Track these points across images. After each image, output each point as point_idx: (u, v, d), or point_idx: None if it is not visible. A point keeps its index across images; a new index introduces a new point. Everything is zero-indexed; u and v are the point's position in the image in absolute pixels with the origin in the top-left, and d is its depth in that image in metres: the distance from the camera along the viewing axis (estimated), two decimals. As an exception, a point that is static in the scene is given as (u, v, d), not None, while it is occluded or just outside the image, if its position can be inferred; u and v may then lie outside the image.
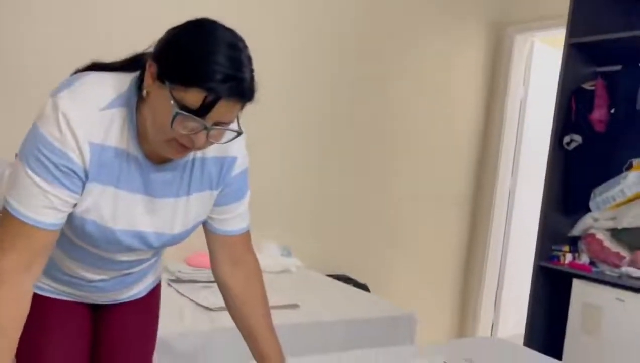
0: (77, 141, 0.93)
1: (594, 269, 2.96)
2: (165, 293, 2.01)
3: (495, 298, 4.04)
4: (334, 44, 3.30)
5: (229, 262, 1.20)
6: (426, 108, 3.73)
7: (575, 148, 3.08)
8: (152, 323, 1.39)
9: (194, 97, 0.88)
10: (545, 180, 3.13)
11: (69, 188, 0.95)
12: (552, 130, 3.10)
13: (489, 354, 1.80)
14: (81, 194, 0.98)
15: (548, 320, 3.11)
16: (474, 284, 4.08)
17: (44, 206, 0.94)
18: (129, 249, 1.10)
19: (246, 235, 1.23)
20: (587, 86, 3.10)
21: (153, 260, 1.27)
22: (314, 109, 3.28)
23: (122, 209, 1.03)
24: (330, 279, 3.01)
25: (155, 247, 1.13)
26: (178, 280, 2.40)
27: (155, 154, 1.03)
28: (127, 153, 1.01)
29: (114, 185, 1.01)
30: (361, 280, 3.29)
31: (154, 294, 1.38)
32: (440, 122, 3.82)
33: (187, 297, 2.17)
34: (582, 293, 2.89)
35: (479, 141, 4.05)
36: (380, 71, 3.50)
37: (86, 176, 0.97)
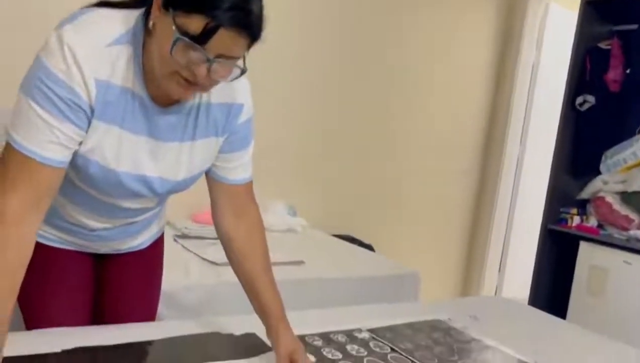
0: (82, 76, 0.91)
1: (602, 232, 2.95)
2: (172, 249, 2.02)
3: (500, 261, 4.04)
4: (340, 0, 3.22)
5: (232, 213, 1.18)
6: (434, 71, 3.66)
7: (588, 109, 3.02)
8: (155, 274, 1.38)
9: (196, 23, 0.85)
10: (556, 142, 3.09)
11: (75, 123, 0.93)
12: (565, 90, 3.04)
13: (493, 312, 1.79)
14: (87, 132, 0.96)
15: (553, 283, 3.11)
16: (479, 247, 4.08)
17: (49, 141, 0.90)
18: (133, 194, 1.07)
19: (249, 186, 1.20)
20: (602, 45, 3.03)
21: (157, 210, 1.25)
22: (320, 69, 3.23)
23: (126, 151, 1.01)
24: (335, 238, 3.01)
25: (159, 193, 1.10)
26: (184, 236, 2.40)
27: (161, 97, 1.00)
28: (132, 92, 0.98)
29: (119, 125, 0.99)
30: (366, 241, 3.30)
31: (157, 245, 1.37)
32: (448, 86, 3.75)
33: (194, 252, 2.17)
34: (589, 256, 2.89)
35: (488, 106, 3.98)
36: (389, 30, 3.42)
37: (92, 113, 0.95)
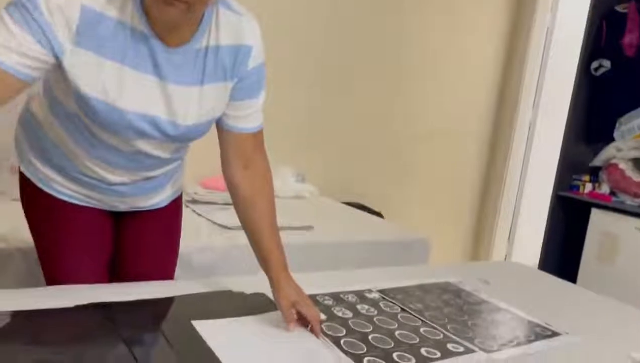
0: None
1: (614, 199, 2.93)
2: (183, 213, 2.03)
3: (510, 228, 4.03)
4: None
5: (240, 163, 1.17)
6: (445, 37, 3.59)
7: (602, 75, 2.97)
8: (173, 234, 1.39)
9: None
10: (569, 108, 3.05)
11: (33, 36, 0.90)
12: (580, 55, 2.98)
13: (504, 275, 1.79)
14: (60, 57, 0.94)
15: (563, 250, 3.11)
16: (488, 214, 4.06)
17: (4, 46, 0.88)
18: (146, 136, 1.07)
19: (258, 135, 1.19)
20: (619, 8, 2.95)
21: (172, 166, 1.25)
22: (331, 33, 3.18)
23: (131, 89, 1.00)
24: (344, 205, 3.01)
25: (170, 136, 1.09)
26: (195, 201, 2.41)
27: (166, 35, 0.99)
28: (132, 27, 0.97)
29: (119, 61, 0.98)
30: (375, 209, 3.29)
31: (175, 205, 1.37)
32: (460, 53, 3.68)
33: (204, 217, 2.18)
34: (601, 223, 2.87)
35: (501, 71, 3.92)
36: (400, -6, 3.36)
37: (71, 39, 0.93)
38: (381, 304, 1.33)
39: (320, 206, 2.83)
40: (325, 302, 1.28)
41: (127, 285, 1.23)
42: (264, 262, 1.17)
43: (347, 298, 1.34)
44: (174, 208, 1.36)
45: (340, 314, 1.22)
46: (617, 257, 2.79)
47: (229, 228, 2.00)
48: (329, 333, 1.10)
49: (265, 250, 1.17)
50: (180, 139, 1.13)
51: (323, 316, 1.17)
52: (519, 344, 1.21)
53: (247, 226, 1.19)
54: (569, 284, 1.86)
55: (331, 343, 1.06)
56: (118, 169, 1.15)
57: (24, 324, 0.97)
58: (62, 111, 1.09)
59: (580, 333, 1.31)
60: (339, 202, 3.07)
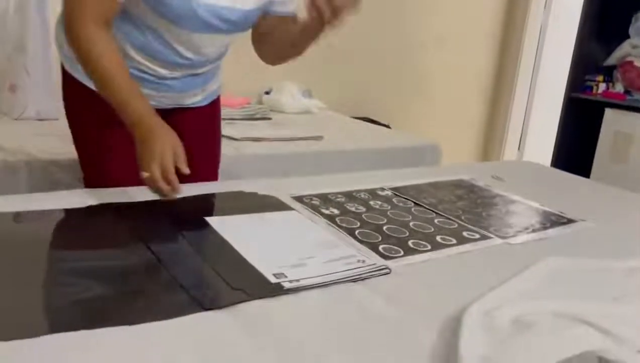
0: None
1: (628, 97, 2.86)
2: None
3: (522, 132, 3.97)
4: None
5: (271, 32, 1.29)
6: None
7: (618, -33, 2.82)
8: (215, 132, 1.47)
9: None
10: (583, 5, 2.91)
11: None
12: (594, -53, 2.82)
13: (517, 173, 1.77)
14: None
15: (576, 151, 3.07)
16: (499, 121, 4.00)
17: None
18: (205, 25, 1.14)
19: (296, 19, 1.28)
20: None
21: (216, 63, 1.34)
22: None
23: None
24: (352, 119, 2.97)
25: (232, 22, 1.16)
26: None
27: None
28: None
29: None
30: (384, 122, 3.25)
31: (215, 104, 1.45)
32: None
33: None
34: (614, 122, 2.82)
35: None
36: None
37: None
38: (394, 200, 1.32)
39: (328, 120, 2.79)
40: (338, 199, 1.27)
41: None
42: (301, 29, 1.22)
43: (360, 195, 1.33)
44: (214, 106, 1.44)
45: (353, 209, 1.22)
46: (631, 157, 2.76)
47: (236, 139, 1.99)
48: (343, 225, 1.10)
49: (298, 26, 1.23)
50: (238, 25, 1.19)
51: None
52: (534, 231, 1.20)
53: (273, 40, 1.31)
54: (583, 179, 1.84)
55: (347, 234, 1.05)
56: (170, 64, 1.22)
57: (36, 224, 0.97)
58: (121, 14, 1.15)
59: (596, 221, 1.30)
60: (347, 116, 3.02)
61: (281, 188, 1.30)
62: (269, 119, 2.57)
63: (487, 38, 3.81)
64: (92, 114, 1.23)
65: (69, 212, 1.01)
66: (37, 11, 1.94)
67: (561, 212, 1.34)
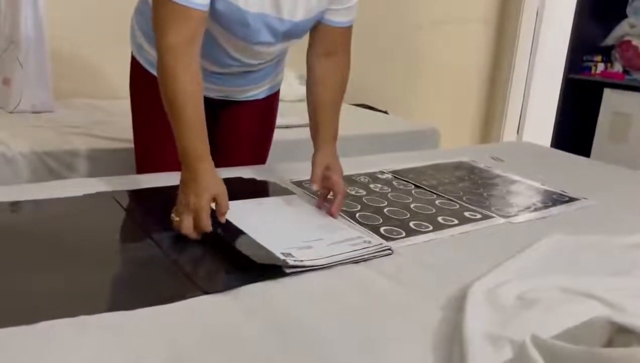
0: None
1: (627, 77, 2.84)
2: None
3: (520, 115, 3.95)
4: None
5: (323, 50, 1.20)
6: None
7: (615, -55, 2.79)
8: (267, 126, 1.43)
9: None
10: (580, -15, 2.89)
11: None
12: None
13: (517, 154, 1.76)
14: None
15: (575, 132, 3.06)
16: (498, 105, 3.99)
17: None
18: (256, 34, 1.10)
19: (348, 31, 1.22)
20: None
21: (270, 65, 1.30)
22: None
23: None
24: (350, 106, 2.95)
25: (280, 32, 1.12)
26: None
27: None
28: None
29: None
30: (381, 108, 3.23)
31: (272, 99, 1.41)
32: None
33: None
34: (613, 102, 2.81)
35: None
36: None
37: None
38: (394, 183, 1.32)
39: (325, 107, 2.77)
40: (338, 183, 1.26)
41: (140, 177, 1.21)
42: (314, 131, 1.20)
43: (360, 179, 1.32)
44: (270, 101, 1.40)
45: (353, 192, 1.21)
46: (630, 136, 2.75)
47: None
48: (344, 209, 1.09)
49: (319, 121, 1.20)
50: (287, 38, 1.16)
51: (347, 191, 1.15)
52: (536, 209, 1.19)
53: (311, 101, 1.22)
54: (583, 158, 1.83)
55: (347, 217, 1.05)
56: (220, 63, 1.20)
57: (33, 213, 0.96)
58: None
59: (597, 198, 1.29)
60: (344, 103, 3.00)
61: (280, 174, 1.29)
62: (266, 107, 2.55)
63: (484, 21, 3.79)
64: (154, 100, 1.19)
65: (66, 200, 1.00)
66: (29, 3, 1.91)
67: (562, 191, 1.33)
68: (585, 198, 1.29)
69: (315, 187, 1.09)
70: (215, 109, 1.33)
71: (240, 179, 1.23)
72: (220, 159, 1.34)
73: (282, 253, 0.82)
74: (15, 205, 0.97)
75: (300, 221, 1.01)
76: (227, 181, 1.20)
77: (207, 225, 0.88)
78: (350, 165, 1.43)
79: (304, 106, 2.74)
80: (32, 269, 0.76)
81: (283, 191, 1.17)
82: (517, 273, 0.83)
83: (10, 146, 1.48)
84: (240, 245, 0.85)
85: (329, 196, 1.08)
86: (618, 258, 0.93)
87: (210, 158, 0.98)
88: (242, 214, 0.98)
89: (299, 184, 1.23)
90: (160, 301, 0.69)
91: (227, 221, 0.92)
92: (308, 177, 1.27)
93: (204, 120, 1.00)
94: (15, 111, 1.94)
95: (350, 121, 2.40)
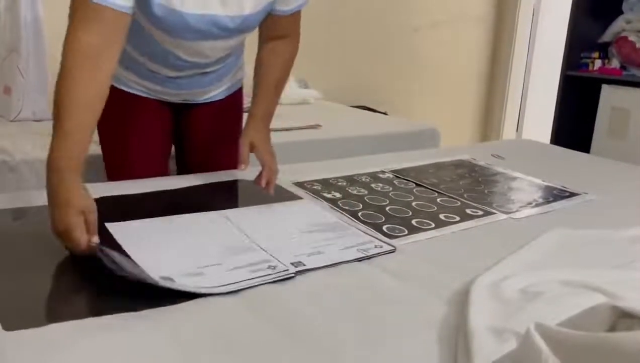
0: None
1: (624, 72, 2.85)
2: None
3: (519, 113, 3.96)
4: None
5: (274, 37, 1.22)
6: None
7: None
8: (232, 125, 1.39)
9: None
10: (575, -18, 2.90)
11: None
12: None
13: (517, 151, 1.77)
14: None
15: (574, 129, 3.06)
16: (496, 103, 3.99)
17: None
18: (205, 35, 1.09)
19: (297, 13, 1.21)
20: None
21: (227, 63, 1.28)
22: None
23: None
24: (350, 107, 2.96)
25: (230, 29, 1.10)
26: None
27: None
28: None
29: None
30: (381, 110, 3.24)
31: (234, 98, 1.39)
32: None
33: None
34: (611, 98, 2.81)
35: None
36: None
37: None
38: (395, 182, 1.32)
39: (326, 109, 2.78)
40: (339, 184, 1.27)
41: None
42: (249, 116, 1.22)
43: (361, 179, 1.33)
44: (232, 99, 1.39)
45: (355, 192, 1.21)
46: (629, 132, 2.76)
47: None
48: (346, 208, 1.10)
49: (256, 100, 1.22)
50: (239, 32, 1.14)
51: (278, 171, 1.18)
52: (537, 205, 1.20)
53: (256, 81, 1.23)
54: (582, 153, 1.84)
55: (350, 217, 1.05)
56: (174, 66, 1.19)
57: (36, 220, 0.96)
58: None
59: (598, 193, 1.30)
60: (344, 105, 3.01)
61: (282, 175, 1.30)
62: (266, 110, 2.56)
63: (481, 19, 3.80)
64: (113, 106, 1.21)
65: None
66: (29, 11, 1.92)
67: (563, 186, 1.34)
68: (585, 193, 1.29)
69: (243, 167, 1.14)
70: (175, 112, 1.34)
71: (242, 181, 1.24)
72: (192, 162, 1.38)
73: (292, 263, 0.83)
74: (19, 212, 0.98)
75: (310, 226, 0.99)
76: (229, 184, 1.22)
77: (80, 243, 0.78)
78: (351, 165, 1.44)
79: (303, 108, 2.76)
80: (38, 273, 0.77)
81: (286, 193, 1.18)
82: (520, 268, 0.84)
83: (13, 154, 1.48)
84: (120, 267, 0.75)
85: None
86: (619, 252, 0.94)
87: (79, 172, 0.86)
88: (252, 220, 0.99)
89: (300, 185, 1.24)
90: (164, 303, 0.69)
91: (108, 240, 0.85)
92: (309, 178, 1.28)
93: (91, 129, 0.90)
94: (16, 119, 1.94)
95: (350, 123, 2.41)
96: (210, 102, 1.34)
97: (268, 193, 1.11)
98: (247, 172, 1.21)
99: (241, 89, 1.42)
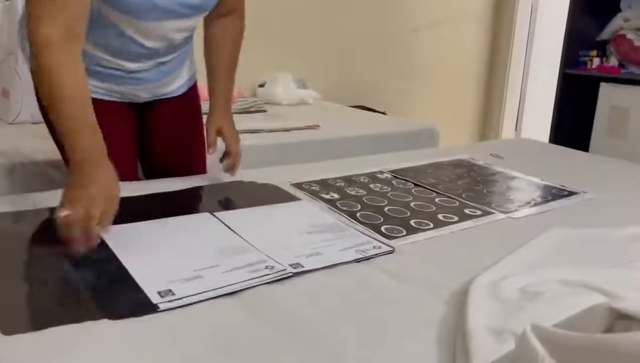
0: None
1: (623, 70, 2.85)
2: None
3: (518, 111, 3.95)
4: None
5: (220, 14, 1.24)
6: None
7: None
8: (195, 119, 1.40)
9: None
10: (573, -20, 2.90)
11: None
12: None
13: (516, 150, 1.77)
14: None
15: (573, 128, 3.06)
16: (495, 103, 3.99)
17: None
18: (170, 14, 1.09)
19: None
20: None
21: (182, 50, 1.27)
22: None
23: None
24: (348, 107, 2.96)
25: (195, 6, 1.11)
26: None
27: None
28: None
29: None
30: (379, 109, 3.24)
31: (192, 92, 1.40)
32: None
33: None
34: (610, 96, 2.81)
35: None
36: None
37: None
38: (394, 182, 1.32)
39: (324, 110, 2.78)
40: (338, 184, 1.27)
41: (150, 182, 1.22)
42: (210, 96, 1.26)
43: (359, 179, 1.33)
44: (191, 93, 1.39)
45: (353, 193, 1.21)
46: (628, 130, 2.76)
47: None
48: (344, 209, 1.10)
49: (214, 87, 1.27)
50: (202, 8, 1.15)
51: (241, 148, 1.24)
52: (536, 204, 1.20)
53: (207, 63, 1.28)
54: (581, 152, 1.84)
55: (348, 217, 1.05)
56: (135, 56, 1.17)
57: (34, 222, 0.96)
58: None
59: (597, 192, 1.30)
60: (343, 105, 3.01)
61: (280, 176, 1.30)
62: (264, 111, 2.56)
63: (479, 19, 3.80)
64: None
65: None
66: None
67: (562, 185, 1.34)
68: (584, 192, 1.29)
69: (210, 151, 1.20)
70: (138, 114, 1.33)
71: (240, 182, 1.24)
72: (157, 161, 1.37)
73: (291, 264, 0.83)
74: (17, 215, 0.97)
75: (308, 227, 0.99)
76: (227, 186, 1.22)
77: (96, 221, 0.82)
78: (350, 165, 1.44)
79: (301, 109, 2.76)
80: (37, 276, 0.76)
81: (284, 194, 1.18)
82: (519, 267, 0.84)
83: (11, 156, 1.48)
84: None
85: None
86: (618, 250, 0.93)
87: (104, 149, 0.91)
88: (249, 221, 0.99)
89: (298, 186, 1.24)
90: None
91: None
92: (307, 179, 1.28)
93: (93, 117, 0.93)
94: (15, 122, 1.94)
95: (349, 123, 2.41)
96: (171, 97, 1.34)
97: (232, 175, 1.22)
98: (246, 173, 1.21)
99: (196, 84, 1.43)
